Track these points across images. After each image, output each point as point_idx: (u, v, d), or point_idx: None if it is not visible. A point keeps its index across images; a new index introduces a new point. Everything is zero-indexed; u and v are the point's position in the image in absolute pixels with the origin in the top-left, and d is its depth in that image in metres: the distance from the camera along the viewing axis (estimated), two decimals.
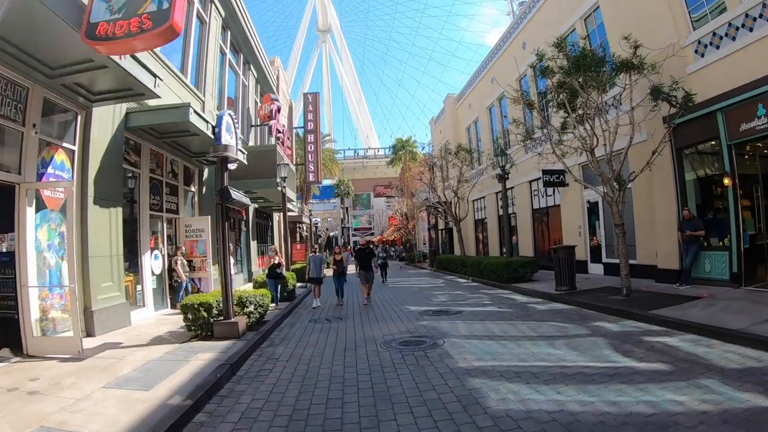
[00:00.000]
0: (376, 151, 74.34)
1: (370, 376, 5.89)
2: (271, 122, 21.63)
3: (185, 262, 12.60)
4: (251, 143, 22.18)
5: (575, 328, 8.00)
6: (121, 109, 10.52)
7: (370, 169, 69.96)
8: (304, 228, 37.44)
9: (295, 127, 38.24)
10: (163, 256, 12.74)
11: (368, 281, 13.67)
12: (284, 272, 13.58)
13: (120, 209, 10.19)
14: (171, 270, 12.53)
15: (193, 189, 15.04)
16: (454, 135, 30.00)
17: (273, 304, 12.57)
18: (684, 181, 11.73)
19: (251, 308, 9.46)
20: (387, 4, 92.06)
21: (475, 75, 28.18)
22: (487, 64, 25.93)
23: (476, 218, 28.92)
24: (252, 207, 22.12)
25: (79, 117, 9.30)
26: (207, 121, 11.55)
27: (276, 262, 12.96)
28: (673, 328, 7.41)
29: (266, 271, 13.47)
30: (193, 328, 8.74)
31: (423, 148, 30.34)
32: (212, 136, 11.73)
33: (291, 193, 21.09)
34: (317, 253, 14.55)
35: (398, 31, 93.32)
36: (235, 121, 13.19)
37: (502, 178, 16.35)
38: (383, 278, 20.93)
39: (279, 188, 15.95)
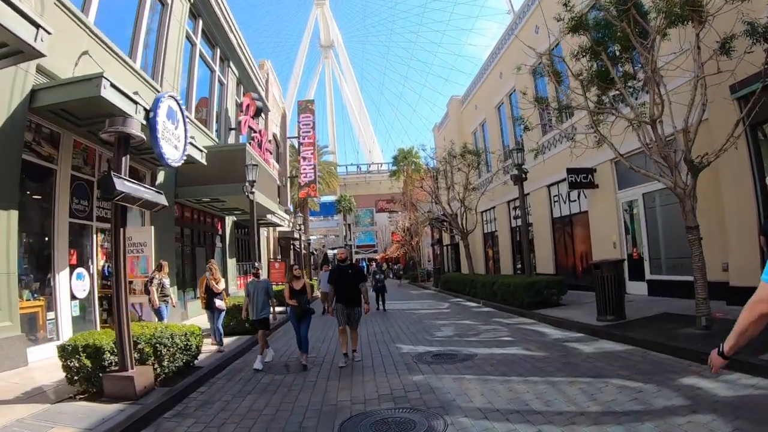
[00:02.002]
0: (379, 165, 71.65)
1: None
2: (242, 118, 18.90)
3: (165, 284, 9.84)
4: None
5: (659, 392, 4.96)
6: (23, 84, 8.05)
7: (373, 185, 67.17)
8: (299, 245, 34.63)
9: (289, 137, 35.80)
10: (91, 275, 10.01)
11: (351, 322, 8.07)
12: (224, 300, 10.05)
13: (14, 213, 7.66)
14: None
15: None
16: (460, 140, 27.21)
17: (227, 340, 9.76)
18: (762, 169, 8.85)
19: (168, 353, 6.61)
20: (384, 18, 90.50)
21: (480, 73, 25.57)
22: (493, 58, 23.32)
23: (485, 231, 26.05)
24: (230, 219, 19.40)
25: None
26: (135, 102, 8.82)
27: (219, 288, 9.72)
28: None
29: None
30: (76, 380, 6.03)
31: (425, 158, 27.52)
32: (144, 122, 9.14)
33: (271, 204, 18.30)
34: (259, 278, 8.84)
35: (397, 44, 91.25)
36: (184, 108, 10.59)
37: (519, 179, 13.47)
38: (380, 306, 16.63)
39: (246, 194, 13.13)
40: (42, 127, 8.84)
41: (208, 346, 9.09)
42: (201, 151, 12.09)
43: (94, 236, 10.20)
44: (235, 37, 19.38)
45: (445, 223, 25.55)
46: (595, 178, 14.43)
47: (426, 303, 18.67)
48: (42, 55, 6.66)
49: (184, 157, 10.51)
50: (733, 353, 2.11)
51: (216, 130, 18.35)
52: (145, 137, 6.91)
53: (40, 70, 8.44)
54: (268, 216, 21.64)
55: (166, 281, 9.93)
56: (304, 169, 36.24)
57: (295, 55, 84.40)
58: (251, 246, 23.87)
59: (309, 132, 36.47)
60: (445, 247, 33.50)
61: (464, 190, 20.97)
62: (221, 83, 18.93)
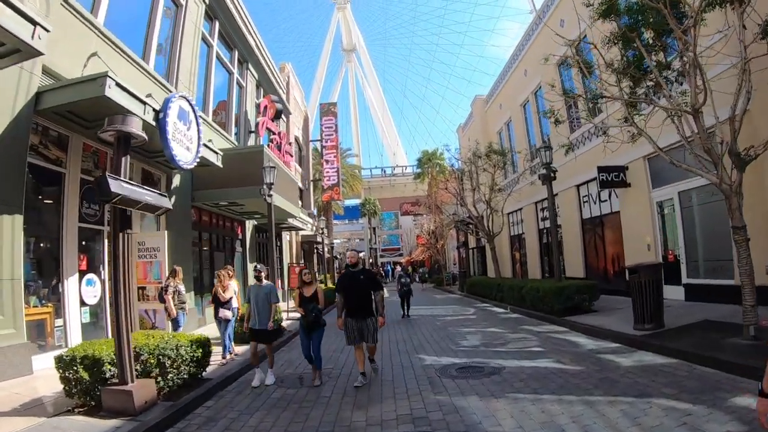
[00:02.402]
0: (404, 168, 71.05)
1: None
2: (260, 119, 18.61)
3: (181, 290, 9.47)
4: None
5: (710, 414, 4.32)
6: (28, 86, 7.85)
7: (398, 187, 66.72)
8: (323, 249, 34.36)
9: (312, 140, 35.58)
10: (103, 281, 9.75)
11: (365, 337, 7.04)
12: (235, 308, 9.38)
13: (19, 218, 7.43)
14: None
15: None
16: (485, 140, 26.49)
17: (241, 348, 9.38)
18: None
19: (173, 365, 6.22)
20: (406, 20, 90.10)
21: (504, 71, 24.88)
22: (517, 56, 22.63)
23: (512, 234, 25.29)
24: (250, 223, 19.12)
25: None
26: (143, 102, 8.53)
27: (225, 297, 9.12)
28: None
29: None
30: (74, 393, 5.75)
31: (450, 159, 26.71)
32: (153, 123, 8.88)
33: (292, 207, 17.97)
34: (263, 281, 7.74)
35: (419, 46, 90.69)
36: (197, 109, 10.33)
37: (548, 178, 12.77)
38: (405, 312, 15.62)
39: (263, 197, 12.76)
40: (49, 129, 8.64)
41: (219, 357, 8.74)
42: (216, 153, 11.80)
43: (106, 241, 9.95)
44: (253, 38, 19.14)
45: (470, 226, 24.90)
46: (627, 177, 13.68)
47: (451, 308, 18.06)
48: (40, 53, 6.44)
49: (197, 159, 10.23)
50: None
51: (235, 134, 18.12)
52: (146, 137, 6.55)
53: (46, 71, 8.24)
54: (290, 220, 21.36)
55: (182, 288, 9.58)
56: (328, 172, 35.96)
57: (318, 60, 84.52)
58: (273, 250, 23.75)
59: (332, 135, 36.19)
60: (470, 250, 32.79)
61: (490, 191, 20.29)
62: (240, 86, 18.70)
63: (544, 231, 21.12)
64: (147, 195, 6.11)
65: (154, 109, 8.87)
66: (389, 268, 55.71)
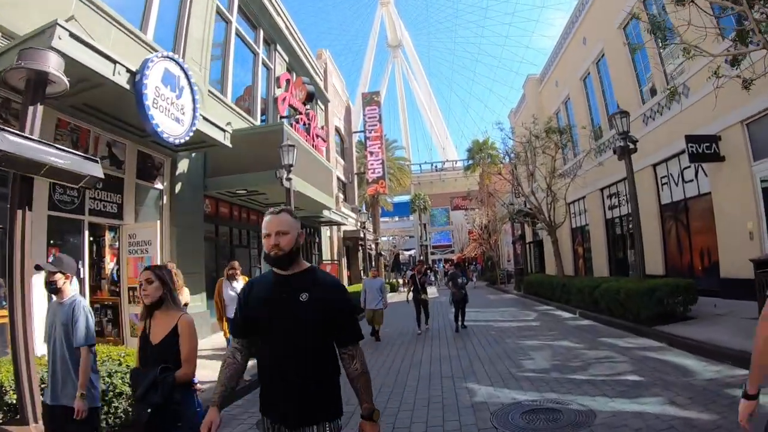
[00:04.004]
0: (454, 163, 68.85)
1: None
2: (281, 94, 16.81)
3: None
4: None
5: None
6: None
7: (449, 182, 64.29)
8: (372, 246, 32.49)
9: (356, 132, 33.92)
10: (81, 279, 8.20)
11: None
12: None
13: None
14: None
15: (159, 186, 10.52)
16: (540, 122, 24.06)
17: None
18: None
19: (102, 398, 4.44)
20: (449, 15, 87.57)
21: (558, 44, 22.35)
22: (573, 24, 20.10)
23: (573, 226, 22.59)
24: None
25: None
26: (114, 61, 6.88)
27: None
28: None
29: None
30: None
31: (503, 140, 23.79)
32: (127, 87, 7.22)
33: (325, 197, 16.18)
34: (65, 294, 3.75)
35: (465, 39, 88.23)
36: (190, 74, 8.63)
37: (626, 151, 10.26)
38: (459, 323, 12.20)
39: (279, 180, 10.94)
40: (11, 101, 7.09)
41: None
42: (223, 130, 10.07)
43: (86, 233, 8.41)
44: (282, 19, 17.55)
45: (528, 217, 22.38)
46: (720, 149, 11.05)
47: (508, 312, 15.75)
48: None
49: (191, 134, 8.53)
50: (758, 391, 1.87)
51: (263, 120, 16.53)
52: (67, 81, 4.79)
53: (7, 35, 6.72)
54: (326, 213, 19.60)
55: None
56: (372, 164, 34.14)
57: (363, 58, 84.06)
58: (309, 246, 22.09)
59: (375, 125, 34.36)
60: (527, 245, 30.08)
61: (550, 175, 17.80)
62: (267, 68, 17.07)
63: (612, 221, 18.49)
64: (53, 156, 4.28)
65: (128, 70, 7.22)
66: (440, 266, 53.38)
